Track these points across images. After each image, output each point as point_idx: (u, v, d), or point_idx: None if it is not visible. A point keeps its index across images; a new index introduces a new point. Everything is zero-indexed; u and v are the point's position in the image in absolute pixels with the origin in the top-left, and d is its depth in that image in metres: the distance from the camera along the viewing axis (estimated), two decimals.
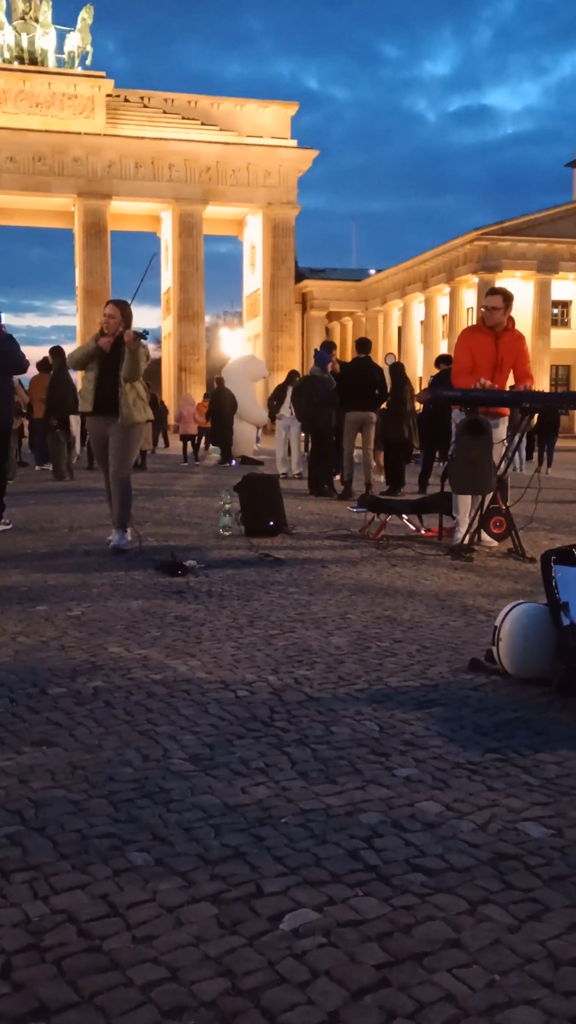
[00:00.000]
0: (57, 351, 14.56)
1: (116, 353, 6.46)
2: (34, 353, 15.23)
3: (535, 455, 19.83)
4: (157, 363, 49.27)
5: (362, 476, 11.68)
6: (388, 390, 12.06)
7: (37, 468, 16.04)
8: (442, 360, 13.65)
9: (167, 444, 27.18)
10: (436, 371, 13.17)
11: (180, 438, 20.79)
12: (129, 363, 6.45)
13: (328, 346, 13.25)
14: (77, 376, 10.76)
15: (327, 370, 12.38)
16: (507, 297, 6.85)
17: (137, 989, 1.56)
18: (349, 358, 13.05)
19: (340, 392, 11.58)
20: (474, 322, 7.22)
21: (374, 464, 12.07)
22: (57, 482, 13.73)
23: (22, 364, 7.84)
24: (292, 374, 16.07)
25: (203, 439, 22.08)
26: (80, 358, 6.65)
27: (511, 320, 6.89)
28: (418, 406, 13.65)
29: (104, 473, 6.76)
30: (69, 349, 9.19)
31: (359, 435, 11.65)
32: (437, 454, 13.57)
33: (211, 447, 21.39)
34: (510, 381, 6.99)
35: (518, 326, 7.15)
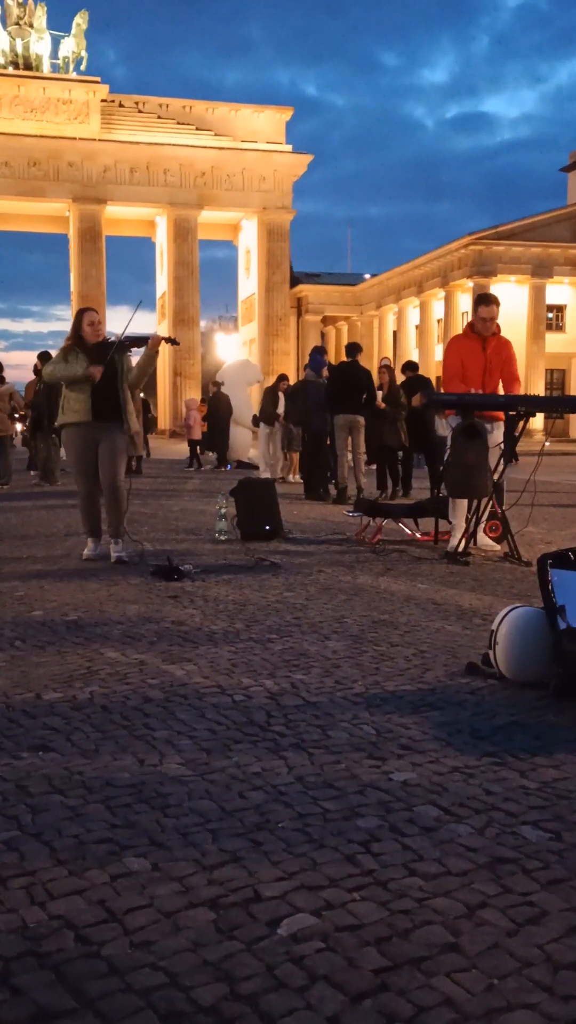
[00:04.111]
0: (46, 356, 14.54)
1: (101, 359, 6.22)
2: (32, 359, 15.26)
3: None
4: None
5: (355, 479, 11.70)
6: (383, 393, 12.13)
7: (32, 474, 16.03)
8: (408, 367, 13.72)
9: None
10: (403, 377, 13.19)
11: (188, 443, 20.87)
12: (144, 367, 6.36)
13: (319, 350, 13.32)
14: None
15: (321, 374, 12.42)
16: (499, 304, 6.94)
17: (135, 995, 1.56)
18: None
19: (328, 396, 11.66)
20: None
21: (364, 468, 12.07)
22: (49, 488, 13.73)
23: None
24: (280, 378, 15.99)
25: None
26: (63, 379, 6.29)
27: (497, 326, 6.96)
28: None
29: (87, 483, 6.43)
30: None
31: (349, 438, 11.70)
32: (419, 457, 13.63)
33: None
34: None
35: (513, 331, 7.22)
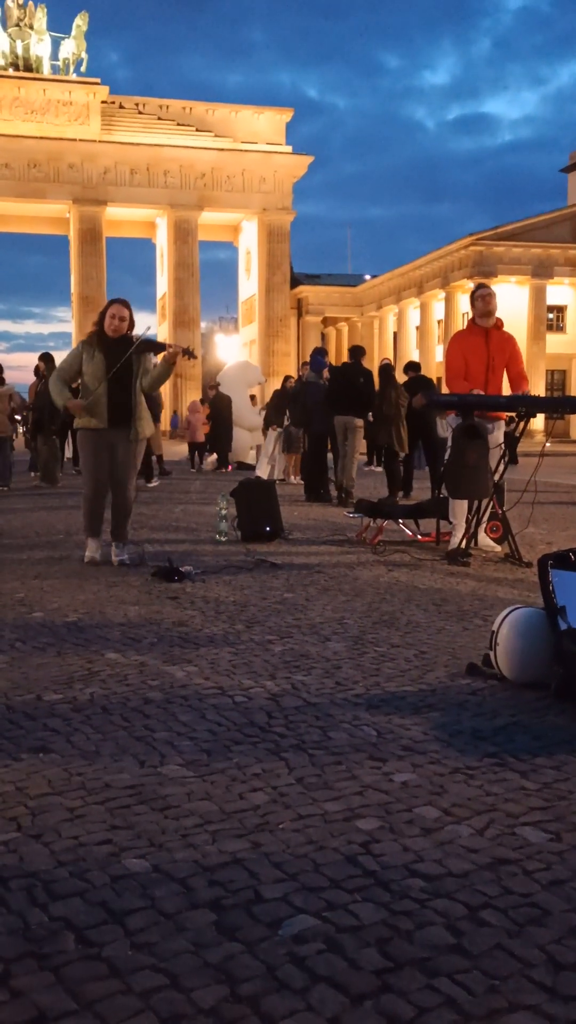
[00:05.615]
0: (48, 358, 14.52)
1: (117, 358, 6.17)
2: (34, 360, 15.26)
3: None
4: None
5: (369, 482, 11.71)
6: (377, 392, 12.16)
7: (33, 475, 16.04)
8: (410, 367, 13.75)
9: None
10: (405, 378, 13.20)
11: (188, 446, 20.88)
12: (159, 378, 6.42)
13: (320, 352, 13.35)
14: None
15: (322, 375, 12.43)
16: (494, 293, 7.02)
17: (136, 996, 1.55)
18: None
19: (327, 397, 11.71)
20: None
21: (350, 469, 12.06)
22: (49, 488, 13.73)
23: None
24: (286, 380, 16.14)
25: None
26: (54, 397, 6.42)
27: (499, 320, 6.95)
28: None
29: (96, 484, 6.38)
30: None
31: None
32: (419, 458, 13.65)
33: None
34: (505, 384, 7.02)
35: (513, 331, 7.21)
